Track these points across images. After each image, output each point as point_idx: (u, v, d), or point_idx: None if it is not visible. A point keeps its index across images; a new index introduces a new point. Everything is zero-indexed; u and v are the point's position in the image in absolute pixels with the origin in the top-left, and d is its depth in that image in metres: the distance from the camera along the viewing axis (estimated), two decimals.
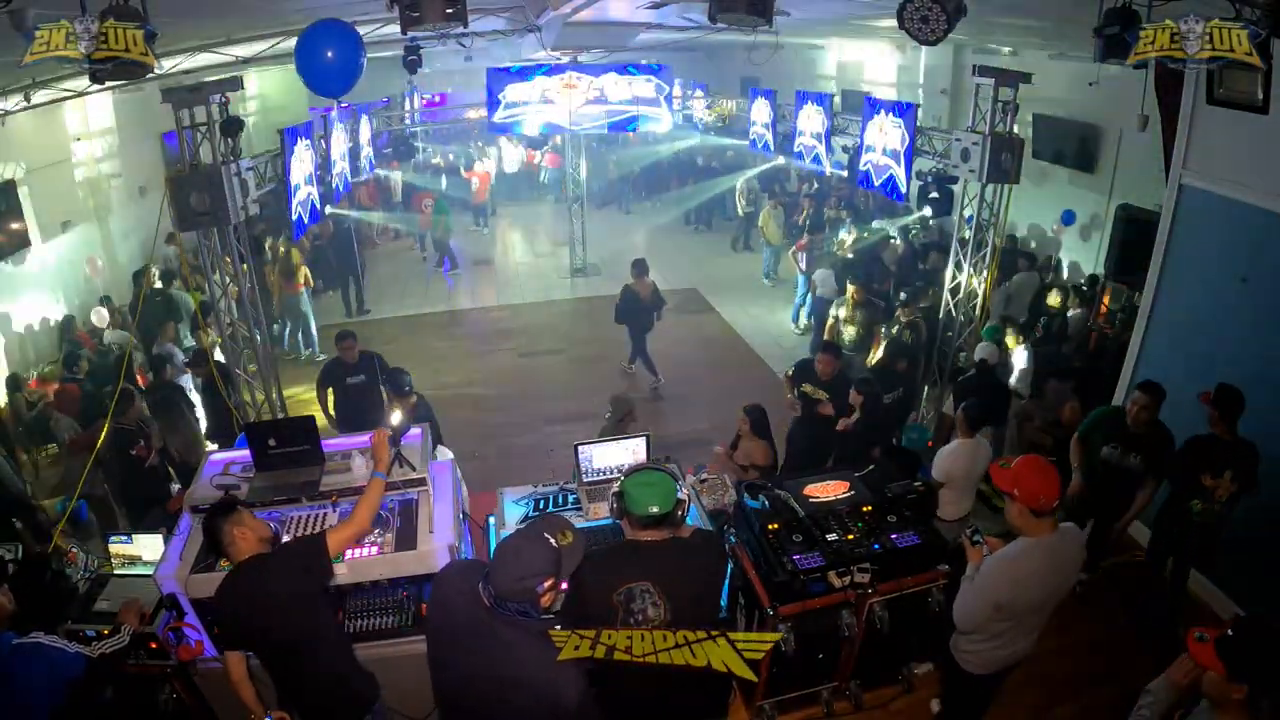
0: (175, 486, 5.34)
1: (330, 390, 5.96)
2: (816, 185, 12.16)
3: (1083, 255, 8.24)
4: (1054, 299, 7.42)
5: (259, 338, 5.55)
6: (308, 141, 6.33)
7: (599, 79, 9.40)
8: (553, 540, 2.10)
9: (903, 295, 7.34)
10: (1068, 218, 8.23)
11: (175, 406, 5.86)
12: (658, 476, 2.44)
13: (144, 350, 7.17)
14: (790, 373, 5.64)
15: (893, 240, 9.82)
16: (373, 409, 5.73)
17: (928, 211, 6.68)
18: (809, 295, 9.22)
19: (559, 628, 2.17)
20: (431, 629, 2.34)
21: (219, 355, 5.82)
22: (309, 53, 4.38)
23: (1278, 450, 3.98)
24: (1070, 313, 7.21)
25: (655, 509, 2.36)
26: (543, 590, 2.06)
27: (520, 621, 2.09)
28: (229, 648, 2.72)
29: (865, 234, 9.75)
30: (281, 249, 8.94)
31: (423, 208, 11.90)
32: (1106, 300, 6.90)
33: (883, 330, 7.10)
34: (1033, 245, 8.80)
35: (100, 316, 7.54)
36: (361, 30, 4.76)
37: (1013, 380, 6.23)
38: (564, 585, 2.14)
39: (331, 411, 5.97)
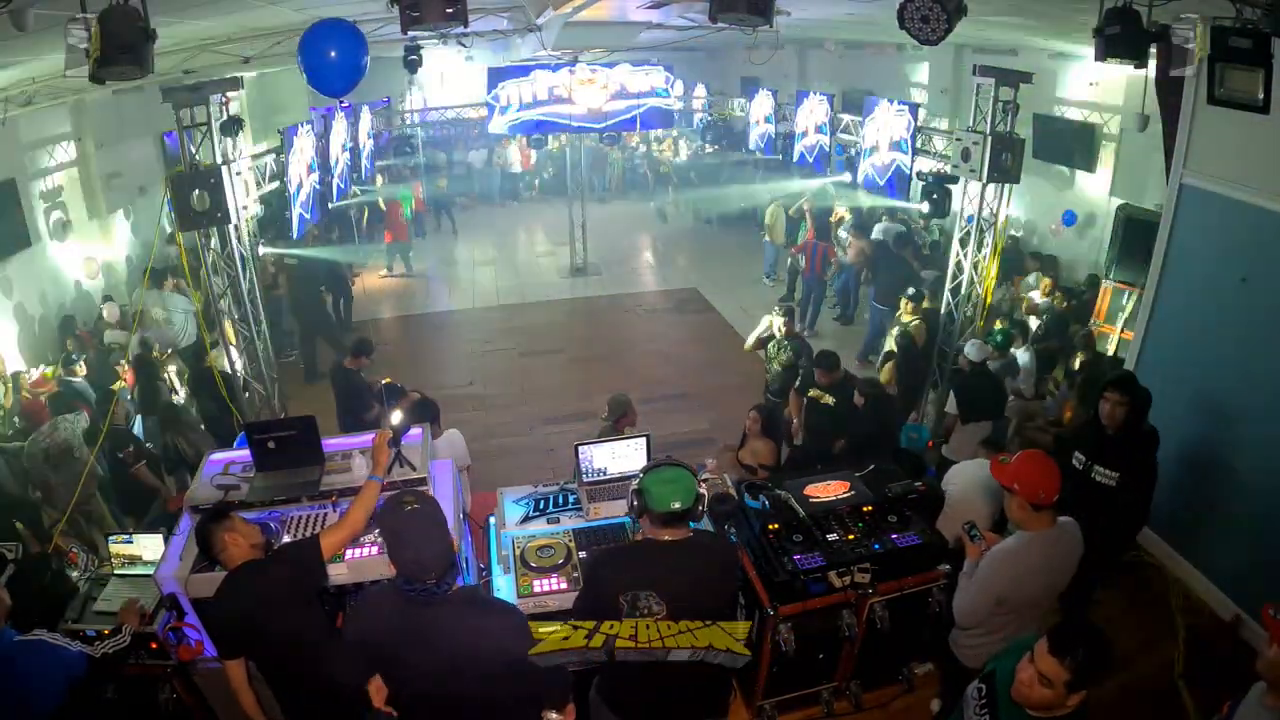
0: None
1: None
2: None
3: (1082, 255, 8.24)
4: (1057, 299, 7.40)
5: (259, 339, 5.54)
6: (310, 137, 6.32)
7: (614, 71, 9.35)
8: (409, 507, 2.15)
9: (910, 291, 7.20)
10: (1069, 218, 8.21)
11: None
12: (678, 473, 2.42)
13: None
14: (795, 386, 5.59)
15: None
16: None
17: (927, 209, 6.65)
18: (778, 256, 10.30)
19: (568, 622, 2.21)
20: (358, 652, 2.35)
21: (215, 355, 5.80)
22: (312, 51, 4.37)
23: (1276, 451, 3.99)
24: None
25: (678, 505, 2.34)
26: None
27: (437, 597, 2.12)
28: (227, 656, 2.69)
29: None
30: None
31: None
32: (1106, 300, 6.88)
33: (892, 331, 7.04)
34: (1035, 244, 8.79)
35: (111, 312, 7.50)
36: (363, 29, 4.75)
37: (1016, 381, 6.19)
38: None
39: None
